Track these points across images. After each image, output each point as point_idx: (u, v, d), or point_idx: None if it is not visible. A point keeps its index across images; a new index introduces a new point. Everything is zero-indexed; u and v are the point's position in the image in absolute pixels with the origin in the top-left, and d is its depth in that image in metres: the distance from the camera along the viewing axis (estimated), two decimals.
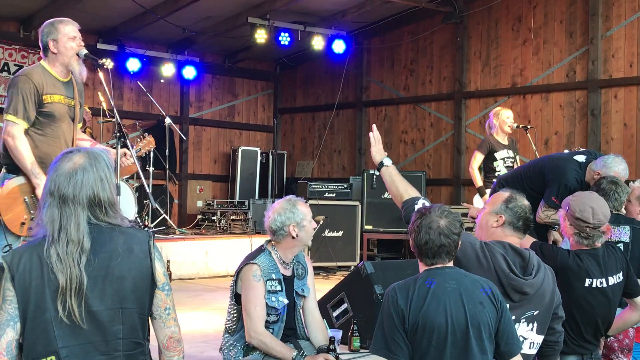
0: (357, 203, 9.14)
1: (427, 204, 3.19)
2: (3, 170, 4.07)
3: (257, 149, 11.19)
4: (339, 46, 10.14)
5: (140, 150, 5.00)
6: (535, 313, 3.13)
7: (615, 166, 4.46)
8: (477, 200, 7.02)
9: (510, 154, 6.92)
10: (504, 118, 6.97)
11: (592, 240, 3.58)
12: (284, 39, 9.74)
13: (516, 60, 9.54)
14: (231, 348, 3.67)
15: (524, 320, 3.13)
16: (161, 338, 2.46)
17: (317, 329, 3.76)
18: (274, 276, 3.62)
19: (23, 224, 3.88)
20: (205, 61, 11.09)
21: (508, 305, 3.06)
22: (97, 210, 2.36)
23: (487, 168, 6.96)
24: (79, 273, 2.26)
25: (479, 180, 6.90)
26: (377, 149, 3.49)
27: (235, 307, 3.69)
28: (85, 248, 2.29)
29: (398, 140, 10.79)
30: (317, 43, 10.05)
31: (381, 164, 3.46)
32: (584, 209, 3.55)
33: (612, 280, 3.61)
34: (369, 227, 9.12)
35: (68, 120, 4.19)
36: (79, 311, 2.25)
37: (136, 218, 7.66)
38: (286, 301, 3.62)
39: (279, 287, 3.62)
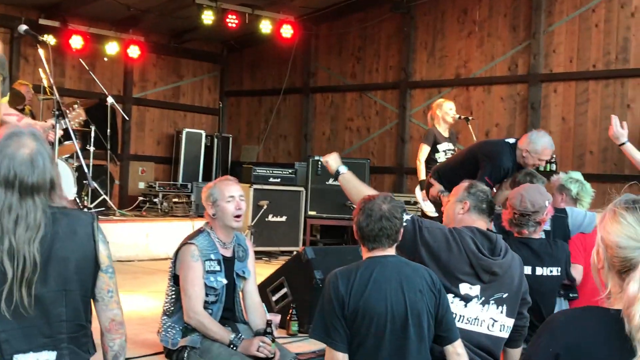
0: (302, 189, 9.16)
1: None
2: None
3: (201, 131, 11.09)
4: (287, 31, 10.12)
5: (70, 122, 4.88)
6: (504, 296, 3.22)
7: (539, 140, 4.61)
8: (418, 192, 7.13)
9: (451, 146, 7.04)
10: (446, 109, 7.07)
11: (521, 228, 3.71)
12: (231, 21, 9.66)
13: (461, 52, 9.68)
14: (169, 330, 3.66)
15: (493, 301, 3.21)
16: (103, 321, 2.44)
17: (256, 312, 3.76)
18: (212, 256, 3.62)
19: None
20: (150, 41, 10.90)
21: (478, 287, 3.17)
22: (50, 194, 2.30)
23: (429, 159, 7.06)
24: (32, 261, 2.20)
25: (422, 174, 6.98)
26: (333, 157, 3.62)
27: (173, 289, 3.68)
28: (40, 235, 2.23)
29: (344, 128, 10.84)
30: (265, 27, 10.01)
31: (337, 173, 3.56)
32: (515, 195, 3.70)
33: (540, 270, 3.73)
34: (313, 213, 9.16)
35: None
36: (28, 300, 2.20)
37: (75, 198, 7.52)
38: (225, 281, 3.62)
39: (217, 268, 3.61)
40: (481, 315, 3.21)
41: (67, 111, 4.92)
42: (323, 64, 11.13)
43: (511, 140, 4.97)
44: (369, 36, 10.56)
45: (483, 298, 3.20)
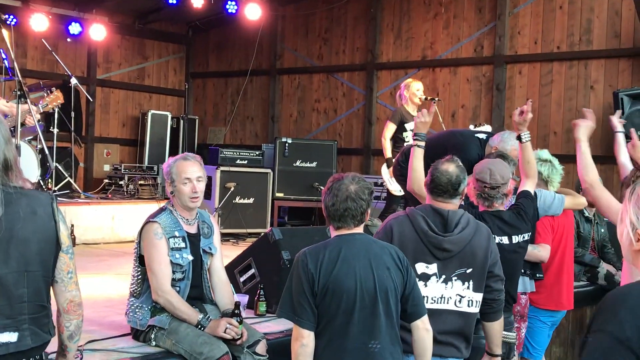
0: (269, 171, 9.15)
1: None
2: None
3: (167, 113, 10.98)
4: (253, 12, 10.04)
5: (48, 105, 4.84)
6: (468, 271, 3.26)
7: (511, 140, 4.66)
8: (384, 171, 7.17)
9: None
10: (414, 90, 7.13)
11: (491, 202, 3.76)
12: (197, 1, 9.55)
13: (427, 33, 9.72)
14: (137, 311, 3.65)
15: (456, 278, 3.25)
16: (62, 302, 2.44)
17: (223, 290, 3.76)
18: (177, 233, 3.61)
19: None
20: (114, 21, 10.73)
21: (435, 265, 3.22)
22: (6, 175, 2.28)
23: (397, 138, 7.11)
24: None
25: (388, 152, 7.05)
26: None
27: (139, 269, 3.66)
28: None
29: (311, 109, 10.83)
30: (231, 7, 9.92)
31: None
32: (482, 170, 3.75)
33: (516, 239, 3.80)
34: (280, 195, 9.16)
35: None
36: None
37: (39, 181, 7.41)
38: (191, 257, 3.61)
39: (182, 244, 3.60)
40: (446, 292, 3.26)
41: (45, 94, 4.88)
42: (290, 45, 11.08)
43: (481, 136, 5.01)
44: (336, 18, 10.54)
45: (444, 276, 3.25)
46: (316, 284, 2.78)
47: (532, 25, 8.92)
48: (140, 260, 3.65)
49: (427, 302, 3.17)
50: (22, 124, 4.68)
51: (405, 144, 6.93)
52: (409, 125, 7.00)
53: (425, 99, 7.34)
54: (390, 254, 2.93)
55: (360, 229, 2.96)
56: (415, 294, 2.96)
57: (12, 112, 4.68)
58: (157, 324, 3.57)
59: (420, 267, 3.23)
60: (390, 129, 7.02)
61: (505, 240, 3.75)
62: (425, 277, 3.23)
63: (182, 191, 3.60)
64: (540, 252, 4.36)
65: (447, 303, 3.26)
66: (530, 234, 3.98)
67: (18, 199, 2.29)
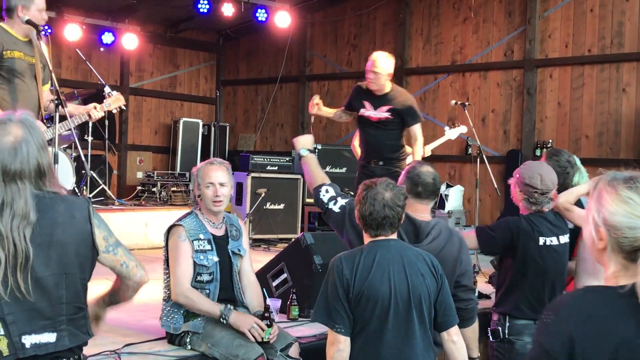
0: (299, 176, 9.19)
1: (330, 188, 3.53)
2: None
3: (199, 120, 11.11)
4: (282, 19, 10.12)
5: (110, 105, 5.01)
6: None
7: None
8: None
9: None
10: None
11: (540, 206, 3.74)
12: (227, 10, 9.66)
13: (456, 38, 9.70)
14: (170, 315, 3.70)
15: None
16: (137, 286, 2.61)
17: (253, 292, 3.79)
18: (201, 236, 3.66)
19: None
20: (146, 30, 10.90)
21: None
22: (40, 181, 2.34)
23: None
24: (24, 246, 2.23)
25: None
26: (303, 138, 3.81)
27: (167, 272, 3.73)
28: (31, 220, 2.26)
29: None
30: (261, 15, 10.01)
31: (305, 152, 3.74)
32: (533, 175, 3.71)
33: (563, 239, 3.77)
34: (310, 201, 9.19)
35: (30, 76, 4.49)
36: (24, 285, 2.23)
37: (74, 188, 7.55)
38: (216, 259, 3.66)
39: (208, 247, 3.66)
40: None
41: (107, 95, 5.11)
42: (319, 52, 11.14)
43: None
44: (365, 24, 10.57)
45: None
46: (351, 290, 2.79)
47: (563, 29, 8.86)
48: (168, 263, 3.72)
49: None
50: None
51: None
52: None
53: (455, 103, 7.34)
54: (425, 261, 2.92)
55: (395, 235, 2.97)
56: (447, 303, 2.97)
57: (78, 111, 4.94)
58: (192, 329, 3.62)
59: None
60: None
61: (554, 241, 3.71)
62: None
63: (206, 195, 3.68)
64: None
65: None
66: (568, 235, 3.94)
67: (56, 204, 2.35)
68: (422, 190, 3.32)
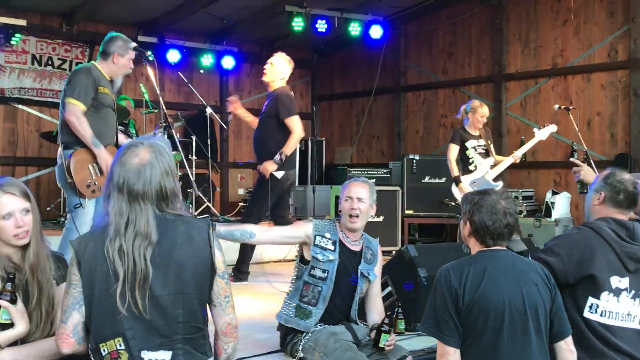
0: (397, 188, 9.16)
1: None
2: (60, 147, 4.92)
3: None
4: (376, 32, 10.13)
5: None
6: None
7: None
8: (455, 190, 7.15)
9: (481, 142, 7.16)
10: (478, 116, 7.15)
11: None
12: (321, 26, 9.77)
13: (556, 40, 9.42)
14: (285, 307, 3.81)
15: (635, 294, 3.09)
16: (220, 324, 2.53)
17: (377, 315, 3.83)
18: (327, 235, 3.75)
19: (88, 186, 4.80)
20: (243, 50, 11.17)
21: (627, 279, 3.08)
22: (162, 203, 2.42)
23: (462, 157, 7.17)
24: (144, 266, 2.32)
25: (454, 170, 7.10)
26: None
27: (296, 267, 3.85)
28: (152, 241, 2.35)
29: (437, 125, 10.76)
30: (354, 29, 10.06)
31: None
32: None
33: None
34: (410, 212, 9.13)
35: (112, 109, 5.07)
36: (142, 302, 2.31)
37: None
38: (332, 257, 3.70)
39: (331, 247, 3.73)
40: (633, 310, 3.09)
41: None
42: (413, 62, 11.08)
43: None
44: (460, 31, 10.44)
45: (633, 291, 3.08)
46: (460, 300, 2.74)
47: None
48: (302, 259, 3.82)
49: (615, 319, 3.04)
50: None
51: (470, 160, 7.09)
52: (470, 144, 7.11)
53: (559, 107, 7.15)
54: (537, 271, 2.85)
55: (504, 245, 2.90)
56: (561, 313, 2.87)
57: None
58: (300, 328, 3.68)
59: (614, 281, 3.08)
60: (452, 150, 7.11)
61: None
62: (618, 292, 3.08)
63: (343, 208, 3.80)
64: None
65: (633, 321, 3.10)
66: None
67: (176, 225, 2.43)
68: (616, 198, 3.22)
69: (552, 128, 7.14)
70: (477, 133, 7.16)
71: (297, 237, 3.80)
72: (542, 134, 7.10)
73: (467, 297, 2.73)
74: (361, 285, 3.79)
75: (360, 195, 3.77)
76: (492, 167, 7.13)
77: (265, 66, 6.68)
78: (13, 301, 2.55)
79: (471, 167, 7.11)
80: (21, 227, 2.64)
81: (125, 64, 5.04)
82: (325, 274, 3.69)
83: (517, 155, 7.12)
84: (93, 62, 5.11)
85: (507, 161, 7.16)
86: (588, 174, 4.15)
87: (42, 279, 2.66)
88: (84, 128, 4.79)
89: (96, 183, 4.78)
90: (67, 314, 2.38)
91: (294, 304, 3.74)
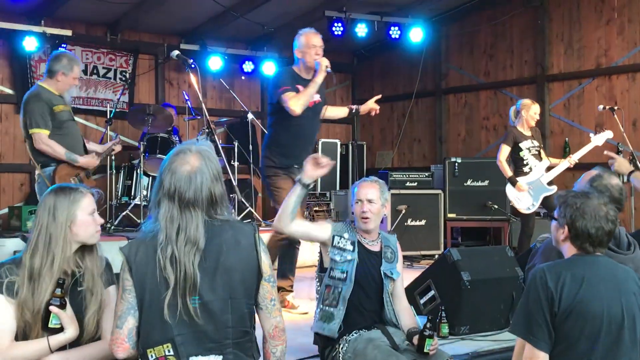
0: (440, 191, 9.12)
1: None
2: (38, 168, 5.17)
3: (336, 140, 11.26)
4: (416, 34, 10.11)
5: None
6: None
7: None
8: (509, 190, 7.03)
9: (535, 143, 7.05)
10: (532, 113, 7.06)
11: None
12: (361, 30, 9.79)
13: (600, 40, 9.28)
14: (314, 316, 3.81)
15: None
16: (267, 328, 2.56)
17: (406, 314, 3.79)
18: (345, 235, 3.74)
19: None
20: (283, 56, 11.23)
21: None
22: (211, 209, 2.46)
23: (515, 158, 7.05)
24: (193, 271, 2.35)
25: (508, 171, 7.02)
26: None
27: (316, 277, 3.88)
28: (200, 247, 2.38)
29: (479, 127, 10.67)
30: (394, 32, 10.05)
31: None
32: None
33: None
34: (452, 216, 9.08)
35: (72, 119, 5.36)
36: (193, 308, 2.35)
37: None
38: (350, 257, 3.68)
39: (349, 247, 3.71)
40: None
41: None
42: (454, 64, 11.01)
43: None
44: (501, 32, 10.35)
45: None
46: (556, 304, 2.64)
47: None
48: (321, 269, 3.83)
49: None
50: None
51: (524, 161, 6.99)
52: (524, 145, 7.01)
53: (604, 108, 7.05)
54: (634, 279, 2.77)
55: (603, 252, 2.81)
56: None
57: (102, 149, 5.73)
58: (327, 332, 3.65)
59: None
60: (504, 151, 7.01)
61: None
62: None
63: (355, 210, 3.78)
64: None
65: None
66: None
67: (224, 230, 2.46)
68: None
69: (609, 134, 6.95)
70: (529, 133, 7.06)
71: (319, 236, 3.76)
72: (598, 139, 6.92)
73: (564, 302, 2.64)
74: (387, 285, 3.75)
75: (370, 197, 3.74)
76: (547, 169, 7.01)
77: (320, 52, 5.54)
78: (62, 306, 2.62)
79: (525, 169, 7.00)
80: (99, 225, 2.79)
81: (69, 82, 5.25)
82: (344, 275, 3.67)
83: (573, 159, 6.97)
84: (39, 82, 5.31)
85: (562, 165, 7.02)
86: (622, 165, 4.13)
87: (97, 282, 2.73)
88: (55, 150, 5.13)
89: None
90: (122, 319, 2.42)
91: (318, 309, 3.75)
